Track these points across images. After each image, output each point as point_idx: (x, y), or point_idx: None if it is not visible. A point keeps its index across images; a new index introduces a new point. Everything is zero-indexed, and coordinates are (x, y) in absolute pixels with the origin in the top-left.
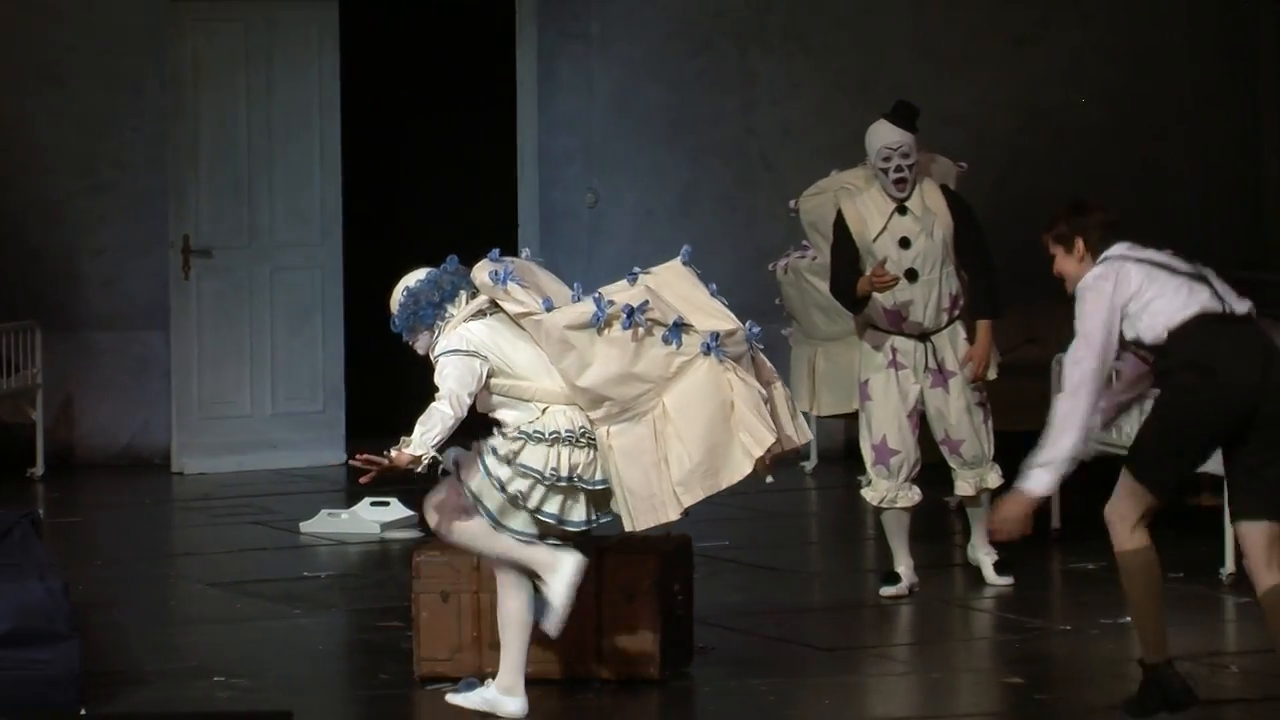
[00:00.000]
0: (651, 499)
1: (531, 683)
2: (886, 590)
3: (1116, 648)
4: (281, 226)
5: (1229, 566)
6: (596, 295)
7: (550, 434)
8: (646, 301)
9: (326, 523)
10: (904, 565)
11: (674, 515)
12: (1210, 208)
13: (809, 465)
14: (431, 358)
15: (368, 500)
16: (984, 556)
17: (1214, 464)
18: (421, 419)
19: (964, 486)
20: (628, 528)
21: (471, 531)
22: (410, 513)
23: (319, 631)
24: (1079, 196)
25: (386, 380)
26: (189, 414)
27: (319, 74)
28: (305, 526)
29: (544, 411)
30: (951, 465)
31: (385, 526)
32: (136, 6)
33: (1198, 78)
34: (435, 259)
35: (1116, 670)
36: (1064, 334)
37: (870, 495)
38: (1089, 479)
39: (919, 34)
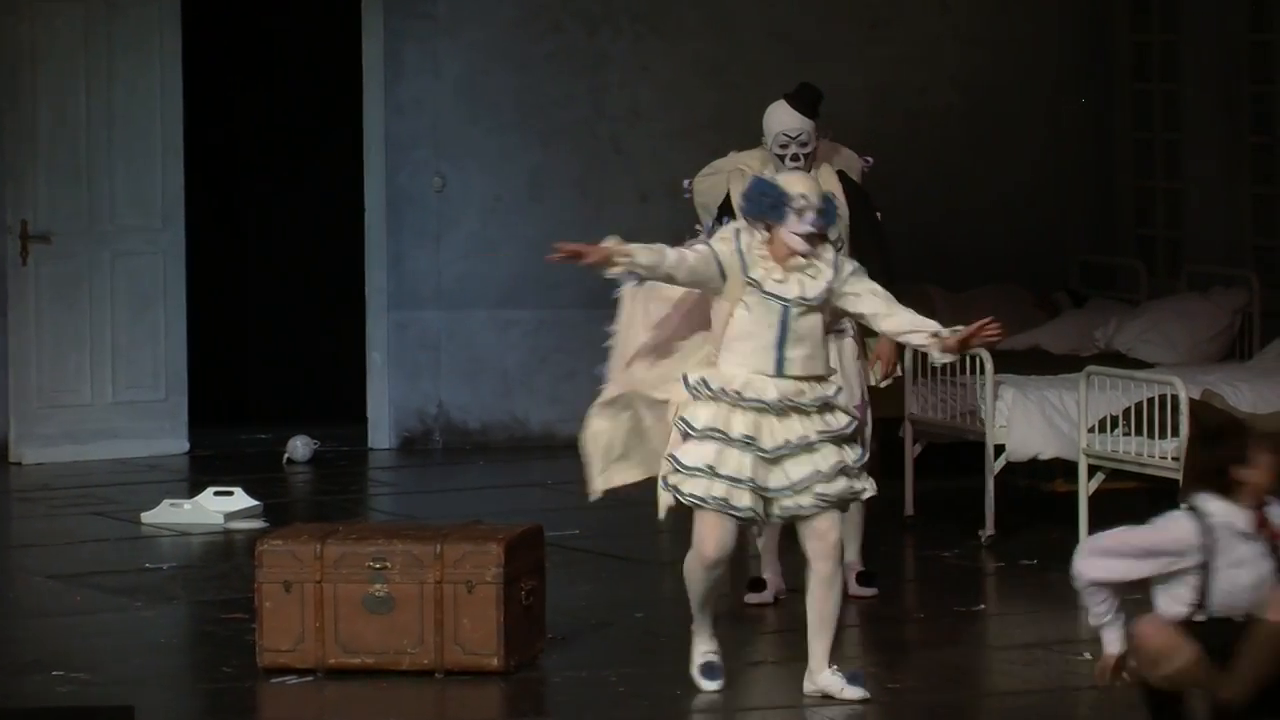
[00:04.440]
0: None
1: (371, 674)
2: (751, 598)
3: (970, 635)
4: (123, 212)
5: (988, 529)
6: None
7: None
8: None
9: (168, 513)
10: (771, 570)
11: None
12: (1065, 194)
13: None
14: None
15: (210, 490)
16: (848, 568)
17: (1068, 448)
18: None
19: None
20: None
21: None
22: (254, 502)
23: (161, 624)
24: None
25: (230, 368)
26: (27, 403)
27: (161, 56)
28: (147, 517)
29: None
30: None
31: (229, 516)
32: None
33: (1053, 64)
34: (280, 243)
35: (970, 659)
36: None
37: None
38: (942, 466)
39: (772, 16)
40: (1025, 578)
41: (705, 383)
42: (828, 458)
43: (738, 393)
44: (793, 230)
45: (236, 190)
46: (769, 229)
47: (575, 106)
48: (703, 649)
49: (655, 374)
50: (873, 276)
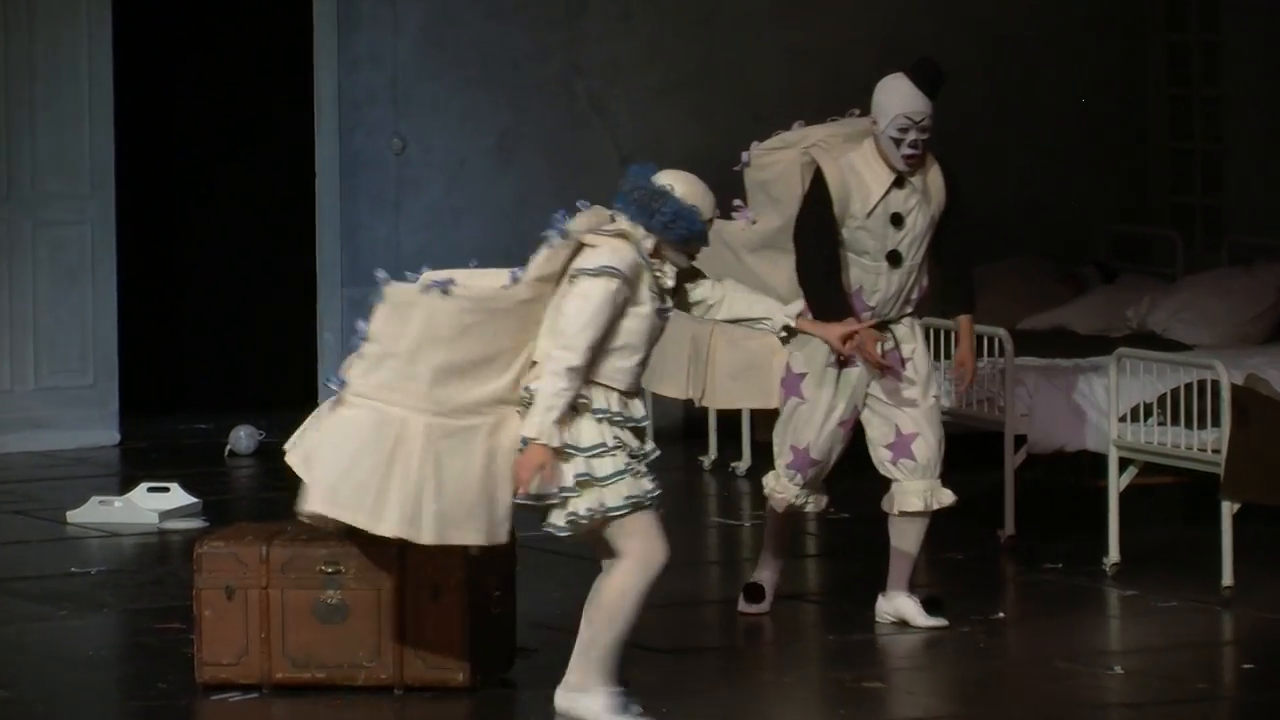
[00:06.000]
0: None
1: (323, 691)
2: (748, 608)
3: (988, 646)
4: (45, 176)
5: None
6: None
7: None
8: None
9: (97, 511)
10: (769, 570)
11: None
12: (1092, 157)
13: None
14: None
15: (144, 486)
16: (905, 598)
17: (1097, 439)
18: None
19: (910, 500)
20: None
21: None
22: (192, 500)
23: (88, 635)
24: None
25: (166, 351)
26: None
27: (88, 4)
28: (73, 516)
29: None
30: (895, 476)
31: (164, 515)
32: None
33: (1079, 12)
34: (220, 212)
35: (988, 673)
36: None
37: (777, 495)
38: (957, 459)
39: None
40: (1049, 583)
41: (586, 400)
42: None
43: (621, 414)
44: (687, 253)
45: (173, 153)
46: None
47: (549, 60)
48: (617, 689)
49: (481, 392)
50: (951, 303)
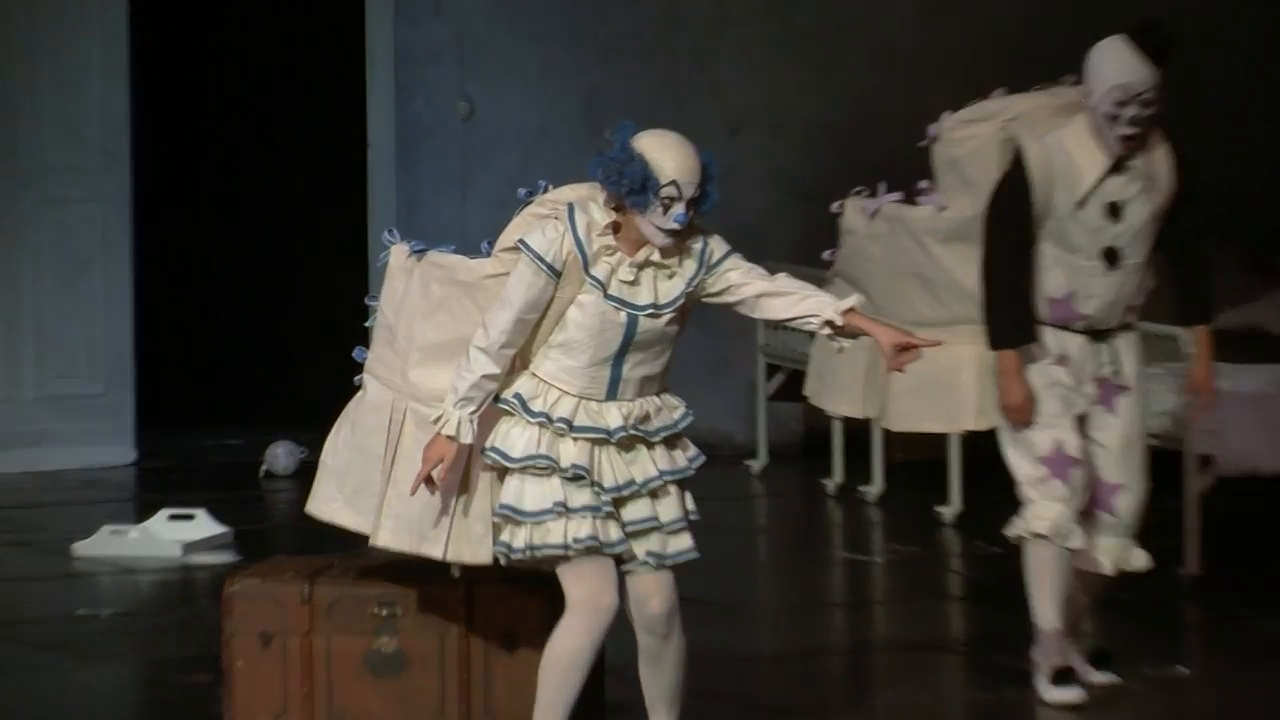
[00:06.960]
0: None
1: None
2: (1062, 696)
3: (1165, 708)
4: (50, 147)
5: (1189, 566)
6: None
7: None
8: None
9: (109, 543)
10: (1075, 654)
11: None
12: (1241, 147)
13: (756, 465)
14: None
15: (165, 513)
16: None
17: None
18: None
19: (1098, 561)
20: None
21: None
22: (222, 529)
23: (100, 688)
24: None
25: (191, 354)
26: None
27: None
28: (80, 548)
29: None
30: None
31: (188, 547)
32: None
33: None
34: (256, 189)
35: None
36: None
37: (1036, 522)
38: None
39: None
40: (1238, 631)
41: (523, 403)
42: (669, 508)
43: (565, 421)
44: (654, 223)
45: (201, 119)
46: (619, 208)
47: (643, 9)
48: None
49: (439, 382)
50: (1188, 287)
